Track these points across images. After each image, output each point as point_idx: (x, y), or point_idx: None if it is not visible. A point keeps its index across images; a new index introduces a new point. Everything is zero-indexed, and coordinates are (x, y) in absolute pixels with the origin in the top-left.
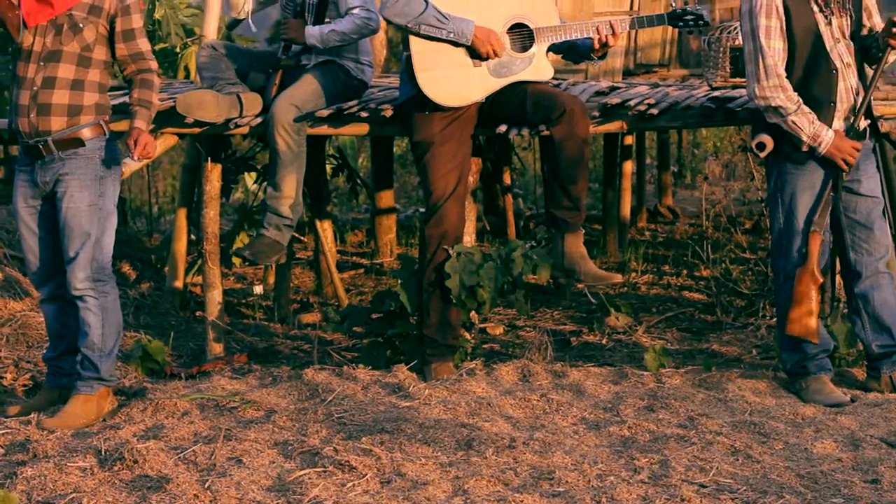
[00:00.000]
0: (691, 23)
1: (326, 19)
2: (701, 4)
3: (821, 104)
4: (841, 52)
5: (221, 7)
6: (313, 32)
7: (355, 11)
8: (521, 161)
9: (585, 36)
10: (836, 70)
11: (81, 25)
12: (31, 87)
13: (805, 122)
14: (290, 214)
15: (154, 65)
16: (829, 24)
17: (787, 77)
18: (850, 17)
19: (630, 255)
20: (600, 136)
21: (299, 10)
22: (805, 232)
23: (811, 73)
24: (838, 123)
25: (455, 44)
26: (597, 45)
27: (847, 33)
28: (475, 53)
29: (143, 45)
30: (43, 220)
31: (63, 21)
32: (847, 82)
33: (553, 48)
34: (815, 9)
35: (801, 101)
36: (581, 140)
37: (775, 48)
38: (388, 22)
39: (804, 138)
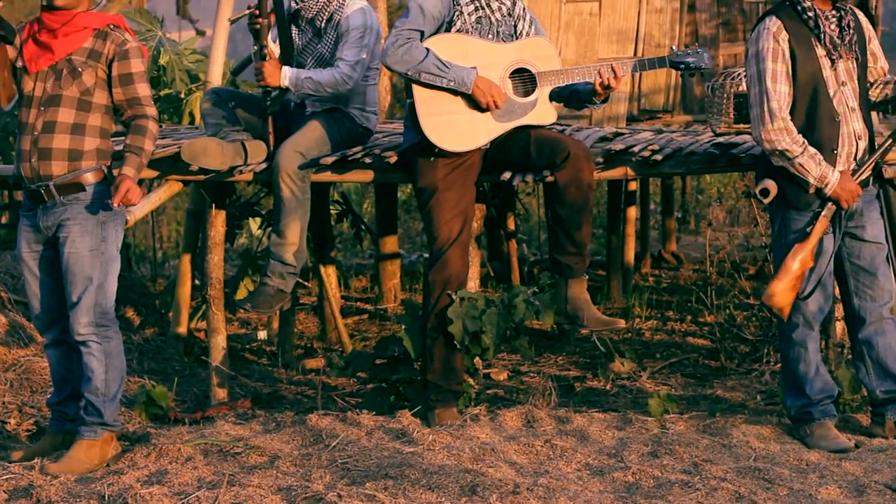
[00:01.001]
0: (692, 66)
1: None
2: (702, 48)
3: (823, 150)
4: (846, 97)
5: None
6: (288, 75)
7: (341, 65)
8: (525, 206)
9: (587, 80)
10: (839, 116)
11: (80, 70)
12: (32, 133)
13: (812, 164)
14: (294, 262)
15: (151, 111)
16: (835, 68)
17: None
18: (857, 59)
19: (634, 300)
20: (604, 182)
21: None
22: (808, 276)
23: (814, 118)
24: (841, 167)
25: (456, 92)
26: (599, 89)
27: (854, 76)
28: (476, 102)
29: (142, 90)
30: (46, 265)
31: (63, 66)
32: (850, 126)
33: (555, 96)
34: (822, 52)
35: (806, 143)
36: (585, 186)
37: (781, 92)
38: (389, 69)
39: (811, 180)
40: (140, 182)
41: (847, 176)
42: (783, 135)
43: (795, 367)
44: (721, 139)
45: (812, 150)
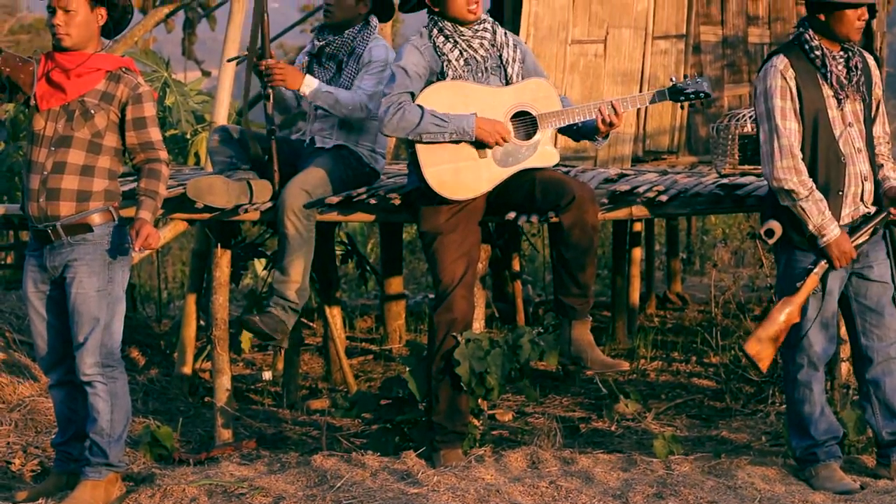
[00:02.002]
0: (692, 96)
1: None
2: (700, 77)
3: (829, 191)
4: (853, 138)
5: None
6: (311, 84)
7: (359, 92)
8: (533, 246)
9: (588, 118)
10: (845, 156)
11: (93, 112)
12: (42, 172)
13: (814, 212)
14: (297, 299)
15: (164, 154)
16: (841, 108)
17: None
18: (864, 100)
19: (639, 341)
20: (609, 223)
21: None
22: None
23: (819, 159)
24: (847, 210)
25: (459, 141)
26: (602, 127)
27: (861, 117)
28: (481, 144)
29: (154, 134)
30: (52, 305)
31: (75, 107)
32: (857, 167)
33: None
34: (829, 92)
35: (814, 187)
36: (590, 228)
37: (791, 129)
38: (388, 136)
39: (810, 226)
40: None
41: (845, 237)
42: (791, 174)
43: (800, 408)
44: (726, 180)
45: (819, 196)
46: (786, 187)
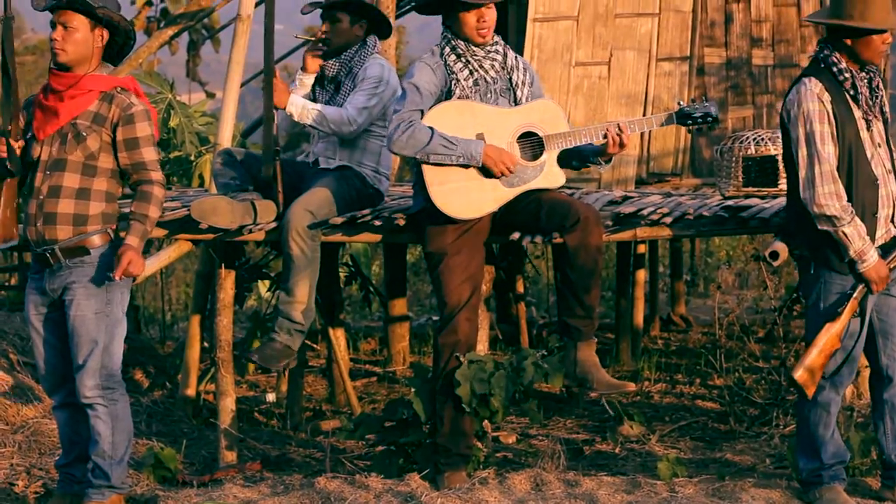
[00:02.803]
0: (700, 120)
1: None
2: (707, 101)
3: (865, 214)
4: (883, 159)
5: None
6: (296, 102)
7: (349, 107)
8: (536, 268)
9: (594, 140)
10: (878, 178)
11: (85, 134)
12: (38, 197)
13: (856, 237)
14: (302, 320)
15: (156, 175)
16: (870, 129)
17: None
18: (886, 121)
19: (643, 363)
20: (613, 245)
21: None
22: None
23: (854, 182)
24: (881, 231)
25: (466, 165)
26: (613, 149)
27: (885, 138)
28: (488, 171)
29: (147, 154)
30: (53, 327)
31: (68, 130)
32: (888, 188)
33: (561, 160)
34: (859, 114)
35: (854, 211)
36: (594, 249)
37: (830, 153)
38: (396, 154)
39: (851, 252)
40: (150, 242)
41: (883, 263)
42: (833, 199)
43: (815, 429)
44: (730, 202)
45: (858, 221)
46: (828, 213)
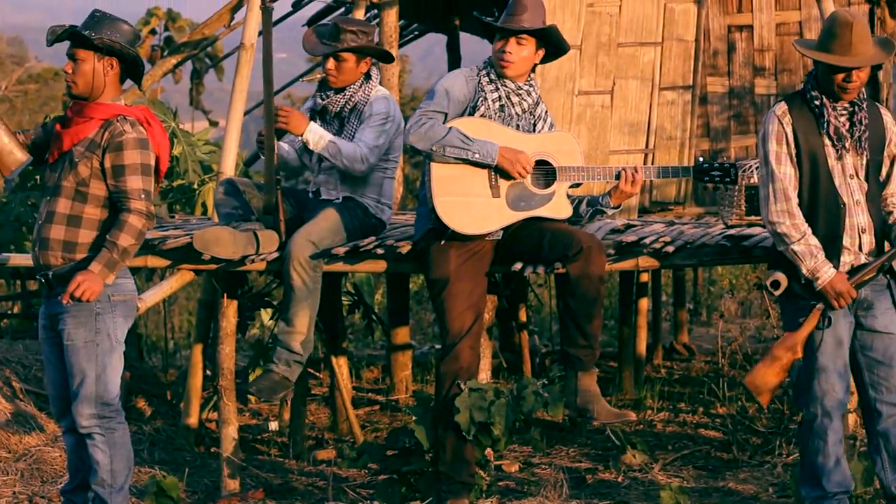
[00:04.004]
0: (717, 178)
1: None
2: (731, 163)
3: (828, 238)
4: (852, 189)
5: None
6: (315, 131)
7: (361, 144)
8: (538, 297)
9: (607, 179)
10: (844, 205)
11: (77, 160)
12: (39, 221)
13: (807, 255)
14: (301, 351)
15: (136, 204)
16: (840, 159)
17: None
18: (867, 158)
19: (646, 392)
20: (616, 274)
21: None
22: (824, 367)
23: (818, 205)
24: (847, 258)
25: (480, 165)
26: (628, 189)
27: (861, 174)
28: (502, 175)
29: (132, 182)
30: (58, 352)
31: (67, 156)
32: (855, 219)
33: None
34: (827, 141)
35: (808, 231)
36: (597, 278)
37: (785, 173)
38: (412, 148)
39: (803, 270)
40: (152, 271)
41: (842, 277)
42: (784, 217)
43: (814, 458)
44: (733, 231)
45: (813, 241)
46: (778, 230)
